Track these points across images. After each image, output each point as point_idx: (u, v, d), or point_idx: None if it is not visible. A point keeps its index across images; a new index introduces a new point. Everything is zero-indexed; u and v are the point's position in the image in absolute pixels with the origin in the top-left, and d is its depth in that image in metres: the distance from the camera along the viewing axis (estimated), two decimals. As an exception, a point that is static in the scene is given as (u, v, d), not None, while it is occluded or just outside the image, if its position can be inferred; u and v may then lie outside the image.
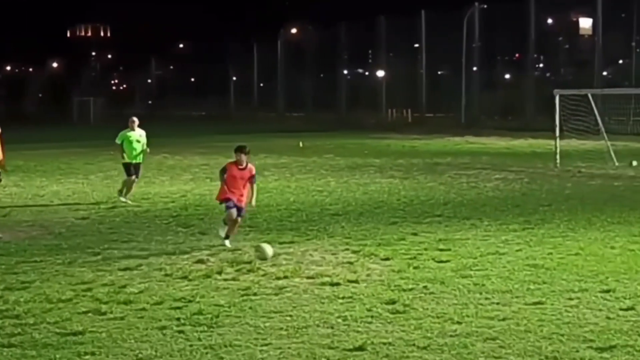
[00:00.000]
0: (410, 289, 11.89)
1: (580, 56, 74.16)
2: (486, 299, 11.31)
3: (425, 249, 14.95)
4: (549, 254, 14.37)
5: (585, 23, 73.05)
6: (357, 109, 78.02)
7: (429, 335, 9.66)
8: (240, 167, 15.59)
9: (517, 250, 14.76)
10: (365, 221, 18.50)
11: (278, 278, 12.68)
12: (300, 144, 44.03)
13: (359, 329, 9.93)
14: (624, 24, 66.16)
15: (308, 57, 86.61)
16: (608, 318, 10.28)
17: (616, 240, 15.70)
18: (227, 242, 15.40)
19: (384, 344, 9.36)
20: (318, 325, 10.11)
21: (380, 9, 79.60)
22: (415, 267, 13.40)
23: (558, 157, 32.25)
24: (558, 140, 32.97)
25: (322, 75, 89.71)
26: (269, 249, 14.17)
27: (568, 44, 79.49)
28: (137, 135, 22.27)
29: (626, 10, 65.71)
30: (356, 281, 12.44)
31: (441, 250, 14.90)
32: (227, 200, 15.51)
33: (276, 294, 11.68)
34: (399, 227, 17.61)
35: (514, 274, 12.79)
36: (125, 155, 22.12)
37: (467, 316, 10.42)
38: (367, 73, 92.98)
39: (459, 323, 10.12)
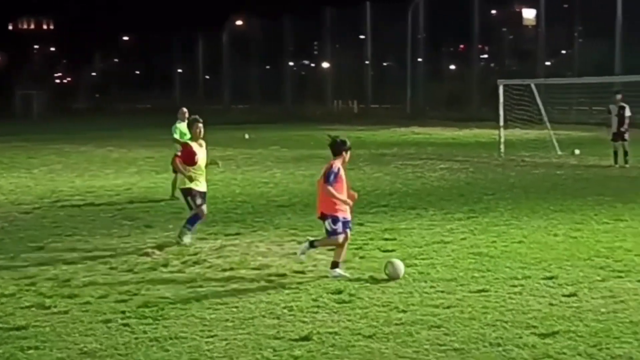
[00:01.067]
0: (356, 279, 11.93)
1: (523, 47, 74.80)
2: (431, 287, 11.39)
3: (371, 239, 15.02)
4: (493, 242, 14.51)
5: (529, 14, 73.73)
6: (303, 101, 78.04)
7: (374, 324, 9.71)
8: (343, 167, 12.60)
9: (461, 239, 14.89)
10: (311, 212, 18.36)
11: (224, 270, 12.67)
12: (246, 136, 43.97)
13: (305, 319, 9.95)
14: (566, 15, 66.83)
15: (254, 48, 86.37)
16: (551, 304, 10.41)
17: (559, 227, 15.89)
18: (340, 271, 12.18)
19: (330, 333, 9.39)
20: (264, 316, 10.12)
21: (326, 0, 79.66)
22: (361, 257, 13.46)
23: (502, 146, 32.54)
24: (502, 130, 33.26)
25: (267, 67, 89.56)
26: (400, 267, 11.97)
27: (512, 34, 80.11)
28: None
29: (568, 1, 66.39)
30: (302, 272, 12.46)
31: (387, 239, 14.97)
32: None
33: (222, 286, 11.67)
34: (345, 217, 17.62)
35: (459, 263, 12.90)
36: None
37: (412, 304, 10.49)
38: (313, 65, 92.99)
39: (404, 311, 10.19)
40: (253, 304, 10.66)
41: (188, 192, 14.86)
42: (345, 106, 76.69)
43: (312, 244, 12.45)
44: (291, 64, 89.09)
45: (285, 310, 10.34)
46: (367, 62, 76.28)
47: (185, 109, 21.53)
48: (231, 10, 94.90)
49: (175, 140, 20.51)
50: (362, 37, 77.21)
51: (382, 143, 40.83)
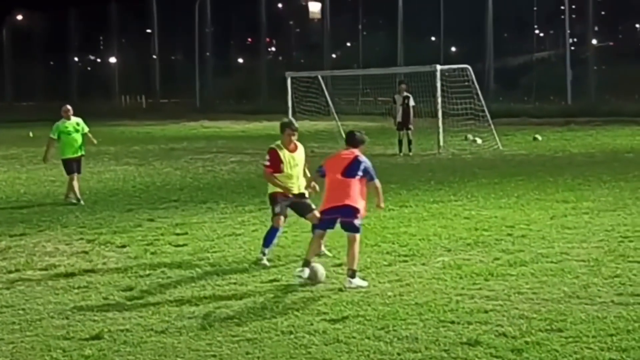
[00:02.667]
0: (148, 275, 11.81)
1: (310, 39, 75.95)
2: (223, 279, 11.41)
3: (162, 234, 14.88)
4: (284, 233, 14.61)
5: (314, 7, 74.82)
6: (90, 97, 76.29)
7: (166, 319, 9.64)
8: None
9: (253, 231, 14.98)
10: (100, 209, 18.16)
11: (9, 272, 12.25)
12: (31, 134, 42.59)
13: (96, 318, 9.76)
14: (350, 8, 68.35)
15: (37, 44, 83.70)
16: (340, 290, 10.63)
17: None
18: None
19: (122, 330, 9.25)
20: (53, 317, 9.86)
21: (111, -6, 78.18)
22: (152, 253, 13.32)
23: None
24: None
25: (52, 62, 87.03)
26: (321, 271, 11.16)
27: (299, 27, 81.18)
28: (74, 124, 19.63)
29: (352, -6, 67.97)
30: (92, 270, 12.21)
31: (178, 234, 14.88)
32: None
33: (7, 288, 11.28)
34: (135, 213, 17.42)
35: (250, 254, 12.96)
36: (65, 150, 19.47)
37: (205, 298, 10.47)
38: (99, 60, 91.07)
39: (196, 305, 10.16)
40: (41, 305, 10.37)
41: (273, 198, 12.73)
42: (134, 101, 75.57)
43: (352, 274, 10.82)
44: (76, 59, 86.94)
45: (74, 310, 10.11)
46: (154, 56, 75.44)
47: (69, 106, 20.11)
48: (12, 4, 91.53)
49: (49, 142, 19.77)
50: (148, 31, 76.29)
51: (172, 138, 40.51)
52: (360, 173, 11.15)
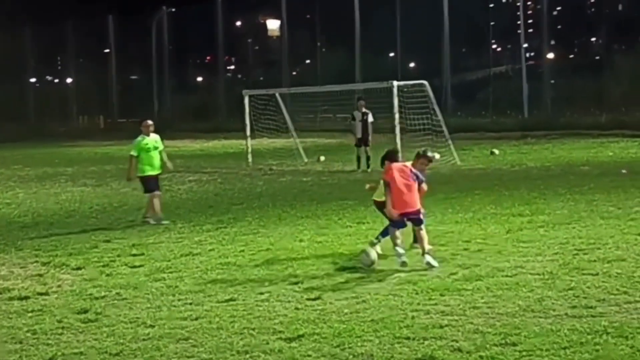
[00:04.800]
0: (103, 297, 11.72)
1: (269, 57, 76.00)
2: (179, 300, 11.34)
3: (119, 255, 14.78)
4: (241, 252, 14.63)
5: (273, 25, 74.89)
6: (47, 117, 75.74)
7: (121, 341, 9.56)
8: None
9: (210, 250, 14.92)
10: (56, 231, 18.02)
11: (-38, 296, 12.09)
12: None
13: (49, 342, 9.66)
14: (308, 26, 68.54)
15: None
16: (297, 309, 10.61)
17: (304, 233, 16.24)
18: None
19: (76, 354, 9.18)
20: (6, 342, 9.75)
21: (67, 14, 77.68)
22: (107, 274, 13.22)
23: (250, 156, 32.92)
24: (249, 139, 33.66)
25: (7, 83, 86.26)
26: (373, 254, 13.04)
27: (257, 45, 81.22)
28: (154, 141, 19.00)
29: (310, 11, 68.09)
30: (46, 293, 12.09)
31: (134, 255, 14.79)
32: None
33: (-40, 313, 11.13)
34: (91, 235, 17.30)
35: (207, 274, 12.92)
36: (144, 167, 18.69)
37: (160, 319, 10.40)
38: (56, 80, 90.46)
39: (152, 326, 10.09)
40: (-7, 330, 10.25)
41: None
42: (92, 121, 75.11)
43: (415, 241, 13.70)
44: (33, 80, 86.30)
45: (28, 334, 10.00)
46: (112, 75, 75.11)
47: (150, 121, 19.43)
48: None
49: (130, 159, 19.01)
50: (106, 50, 75.96)
51: (130, 157, 40.22)
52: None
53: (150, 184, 18.65)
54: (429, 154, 14.48)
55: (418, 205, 13.34)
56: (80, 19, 74.43)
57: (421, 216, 13.41)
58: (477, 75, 62.89)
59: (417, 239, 13.52)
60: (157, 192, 18.74)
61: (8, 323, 10.55)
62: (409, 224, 13.48)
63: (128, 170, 19.33)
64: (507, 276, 11.87)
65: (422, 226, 13.29)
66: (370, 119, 29.41)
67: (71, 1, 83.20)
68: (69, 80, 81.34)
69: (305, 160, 33.11)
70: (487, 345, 8.81)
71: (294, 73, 67.86)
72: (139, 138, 19.01)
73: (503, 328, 9.38)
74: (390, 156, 14.35)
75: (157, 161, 18.88)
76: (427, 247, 12.97)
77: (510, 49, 64.31)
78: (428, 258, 12.73)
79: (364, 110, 29.61)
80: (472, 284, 11.47)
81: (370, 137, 29.17)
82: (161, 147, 19.14)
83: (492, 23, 59.75)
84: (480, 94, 57.88)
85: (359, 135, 29.22)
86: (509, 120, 49.04)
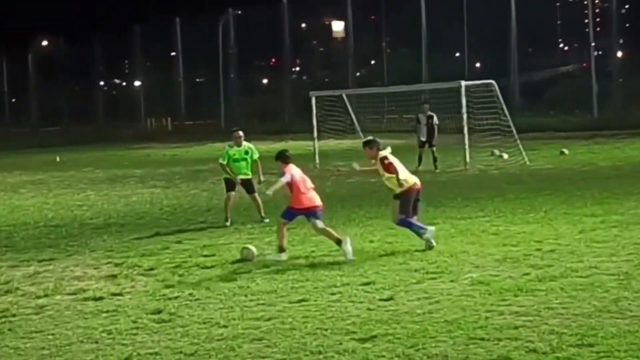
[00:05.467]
0: (176, 297, 11.81)
1: (334, 58, 76.10)
2: (252, 300, 11.39)
3: (190, 256, 14.90)
4: (312, 252, 14.65)
5: (338, 26, 75.00)
6: (115, 120, 76.76)
7: (195, 341, 9.63)
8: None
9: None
10: (127, 233, 18.22)
11: (38, 297, 12.27)
12: (57, 159, 42.88)
13: (125, 342, 9.76)
14: (374, 26, 68.50)
15: (62, 69, 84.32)
16: (369, 309, 10.59)
17: (374, 234, 16.20)
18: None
19: (151, 354, 9.26)
20: (82, 342, 9.87)
21: (134, 18, 78.69)
22: (180, 275, 13.32)
23: (317, 157, 32.94)
24: (316, 141, 33.69)
25: (77, 87, 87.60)
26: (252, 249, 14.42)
27: (322, 47, 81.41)
28: (243, 151, 19.16)
29: (375, 12, 68.04)
30: (120, 293, 12.22)
31: (206, 256, 14.89)
32: None
33: (37, 314, 11.30)
34: (162, 236, 17.46)
35: (278, 274, 12.94)
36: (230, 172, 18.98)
37: (233, 319, 10.45)
38: (124, 83, 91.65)
39: (225, 327, 10.14)
40: (70, 330, 10.38)
41: None
42: (159, 124, 75.93)
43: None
44: (102, 83, 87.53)
45: (103, 334, 10.12)
46: (179, 78, 75.83)
47: (241, 132, 19.50)
48: (36, 30, 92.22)
49: (222, 166, 19.23)
50: (173, 53, 76.71)
51: (197, 159, 40.61)
52: None
53: (230, 185, 18.99)
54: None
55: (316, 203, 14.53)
56: (147, 22, 75.33)
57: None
58: (545, 74, 62.27)
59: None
60: (232, 193, 19.01)
61: (84, 323, 10.68)
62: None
63: (229, 173, 19.22)
64: (581, 277, 11.71)
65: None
66: (435, 121, 29.34)
67: (138, 5, 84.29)
68: (136, 83, 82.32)
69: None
70: (564, 346, 8.71)
71: (359, 74, 67.86)
72: (227, 147, 19.26)
73: (579, 329, 9.26)
74: (282, 157, 15.21)
75: (243, 170, 19.05)
76: (337, 236, 14.07)
77: (577, 47, 63.61)
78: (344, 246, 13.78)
79: (428, 113, 29.54)
80: (546, 284, 11.34)
81: (435, 139, 29.09)
82: (255, 155, 19.22)
83: (559, 22, 59.11)
84: (548, 93, 57.30)
85: (424, 138, 29.16)
86: (577, 120, 48.50)
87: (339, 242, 13.92)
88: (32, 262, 15.07)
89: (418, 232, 14.45)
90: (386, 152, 14.76)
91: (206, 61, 73.69)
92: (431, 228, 14.54)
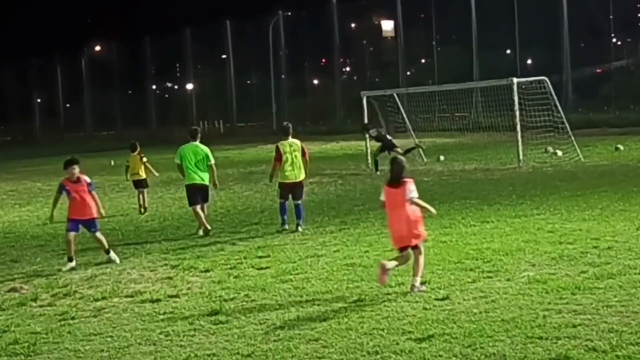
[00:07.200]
0: (232, 298, 11.86)
1: (384, 58, 75.97)
2: (307, 301, 11.40)
3: (245, 258, 14.95)
4: (366, 252, 14.64)
5: (387, 25, 74.89)
6: (168, 124, 77.37)
7: (252, 342, 9.66)
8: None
9: (334, 251, 14.96)
10: (182, 235, 18.36)
11: (96, 300, 12.39)
12: (112, 163, 43.27)
13: (182, 343, 9.83)
14: (424, 25, 68.24)
15: (114, 73, 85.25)
16: (425, 309, 10.55)
17: (428, 233, 16.06)
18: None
19: (208, 355, 9.30)
20: (140, 344, 9.94)
21: (185, 21, 79.22)
22: (235, 277, 13.38)
23: (369, 157, 32.89)
24: (368, 140, 33.63)
25: (130, 91, 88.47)
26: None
27: (372, 46, 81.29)
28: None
29: (425, 11, 67.79)
30: (177, 296, 12.30)
31: (260, 257, 14.93)
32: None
33: (95, 316, 11.41)
34: (217, 237, 17.56)
35: (333, 275, 12.95)
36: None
37: (290, 320, 10.47)
38: (176, 87, 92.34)
39: (281, 328, 10.16)
40: (128, 332, 10.47)
41: None
42: (211, 126, 76.40)
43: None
44: (154, 87, 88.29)
45: (161, 336, 10.19)
46: (230, 81, 76.21)
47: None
48: (89, 35, 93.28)
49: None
50: (224, 56, 77.12)
51: (250, 161, 40.81)
52: None
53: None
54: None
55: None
56: (198, 26, 75.81)
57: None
58: (598, 70, 61.57)
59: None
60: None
61: (141, 325, 10.77)
62: None
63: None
64: (639, 274, 11.57)
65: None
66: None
67: (188, 8, 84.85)
68: (188, 86, 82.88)
69: (425, 160, 32.94)
70: (623, 345, 8.60)
71: (409, 73, 67.67)
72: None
73: (639, 327, 9.14)
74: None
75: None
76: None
77: (630, 42, 62.81)
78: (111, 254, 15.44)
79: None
80: (604, 282, 11.22)
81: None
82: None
83: (611, 16, 58.41)
84: (602, 88, 56.68)
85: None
86: (633, 115, 47.88)
87: None
88: (90, 266, 15.24)
89: None
90: None
91: (257, 63, 73.99)
92: None
